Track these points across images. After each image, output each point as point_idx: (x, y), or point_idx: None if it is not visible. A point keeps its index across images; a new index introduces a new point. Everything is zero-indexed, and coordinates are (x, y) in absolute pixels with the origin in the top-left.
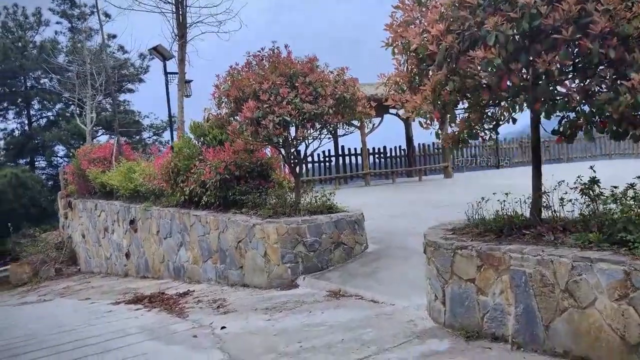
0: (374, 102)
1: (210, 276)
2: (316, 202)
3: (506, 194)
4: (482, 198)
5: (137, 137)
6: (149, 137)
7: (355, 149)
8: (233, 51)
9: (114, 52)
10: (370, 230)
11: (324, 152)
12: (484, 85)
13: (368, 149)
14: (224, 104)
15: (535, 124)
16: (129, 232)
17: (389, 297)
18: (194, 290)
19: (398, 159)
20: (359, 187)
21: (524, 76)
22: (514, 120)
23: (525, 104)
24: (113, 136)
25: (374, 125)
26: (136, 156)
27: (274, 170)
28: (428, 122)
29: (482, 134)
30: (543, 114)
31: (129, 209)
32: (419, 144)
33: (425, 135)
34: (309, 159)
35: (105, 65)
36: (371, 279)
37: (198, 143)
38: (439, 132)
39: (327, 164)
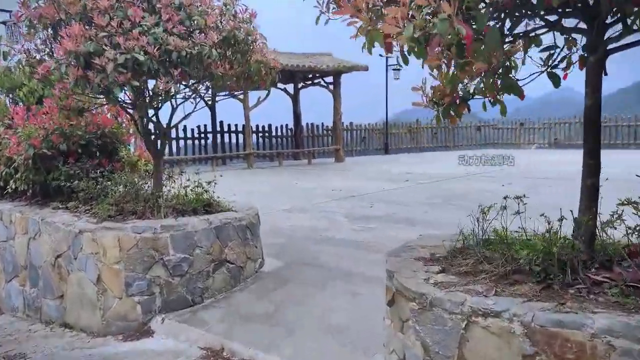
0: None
1: (16, 304)
2: (187, 195)
3: (506, 198)
4: (480, 210)
5: None
6: None
7: (237, 126)
8: None
9: None
10: (264, 234)
11: (198, 127)
12: None
13: (251, 127)
14: (37, 33)
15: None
16: None
17: None
18: None
19: (284, 139)
20: (241, 170)
21: None
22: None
23: None
24: None
25: (259, 98)
26: None
27: (123, 145)
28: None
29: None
30: None
31: None
32: (307, 124)
33: (313, 114)
34: (180, 132)
35: None
36: (274, 325)
37: (8, 101)
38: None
39: (203, 141)
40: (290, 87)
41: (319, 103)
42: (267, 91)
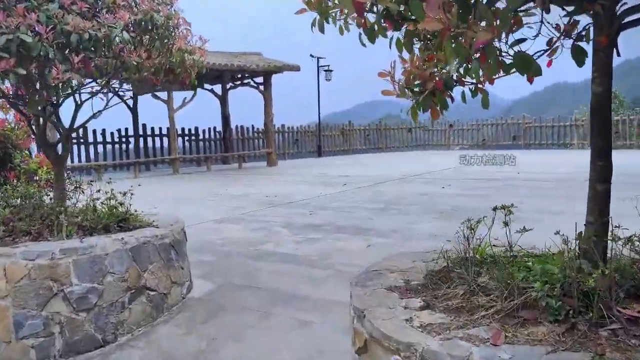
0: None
1: None
2: (95, 209)
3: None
4: (468, 223)
5: None
6: None
7: (161, 129)
8: None
9: None
10: (193, 250)
11: (119, 130)
12: None
13: (177, 130)
14: None
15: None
16: None
17: None
18: None
19: (213, 143)
20: (167, 176)
21: None
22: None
23: None
24: None
25: (185, 100)
26: None
27: (19, 150)
28: None
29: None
30: None
31: None
32: (236, 126)
33: (243, 116)
34: (98, 135)
35: None
36: None
37: None
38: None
39: (125, 145)
40: (218, 88)
41: (249, 104)
42: (193, 91)
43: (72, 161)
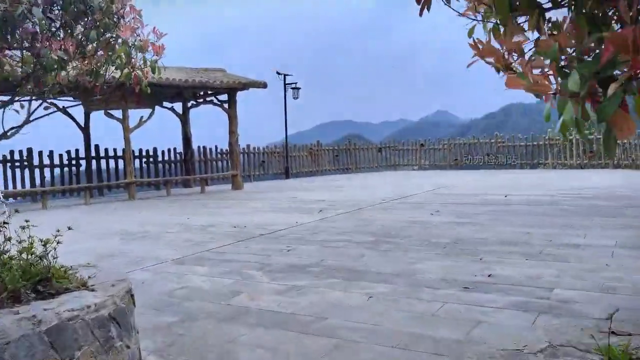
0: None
1: None
2: (5, 265)
3: None
4: None
5: None
6: None
7: (116, 150)
8: None
9: None
10: (144, 307)
11: (68, 152)
12: None
13: (133, 151)
14: None
15: None
16: None
17: None
18: None
19: (173, 165)
20: (121, 203)
21: None
22: None
23: None
24: None
25: (141, 118)
26: None
27: None
28: None
29: None
30: None
31: None
32: (198, 147)
33: (207, 136)
34: (44, 158)
35: None
36: None
37: None
38: None
39: (75, 169)
40: (178, 107)
41: (212, 124)
42: (150, 109)
43: (14, 186)
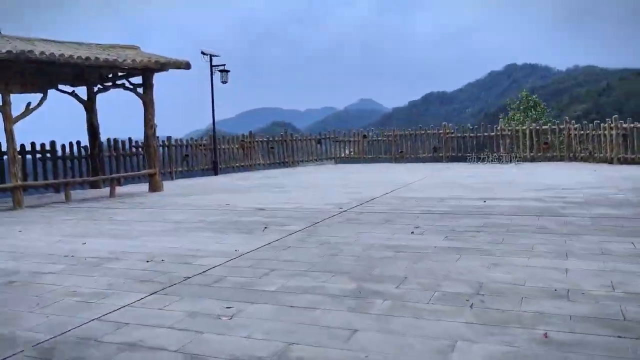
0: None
1: None
2: None
3: None
4: None
5: None
6: None
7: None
8: None
9: None
10: None
11: None
12: None
13: (23, 145)
14: None
15: None
16: None
17: None
18: None
19: (77, 161)
20: (3, 216)
21: None
22: None
23: None
24: None
25: (29, 105)
26: None
27: None
28: None
29: None
30: None
31: None
32: (108, 139)
33: (120, 128)
34: None
35: None
36: None
37: None
38: None
39: None
40: (83, 92)
41: (124, 111)
42: (42, 94)
43: None
